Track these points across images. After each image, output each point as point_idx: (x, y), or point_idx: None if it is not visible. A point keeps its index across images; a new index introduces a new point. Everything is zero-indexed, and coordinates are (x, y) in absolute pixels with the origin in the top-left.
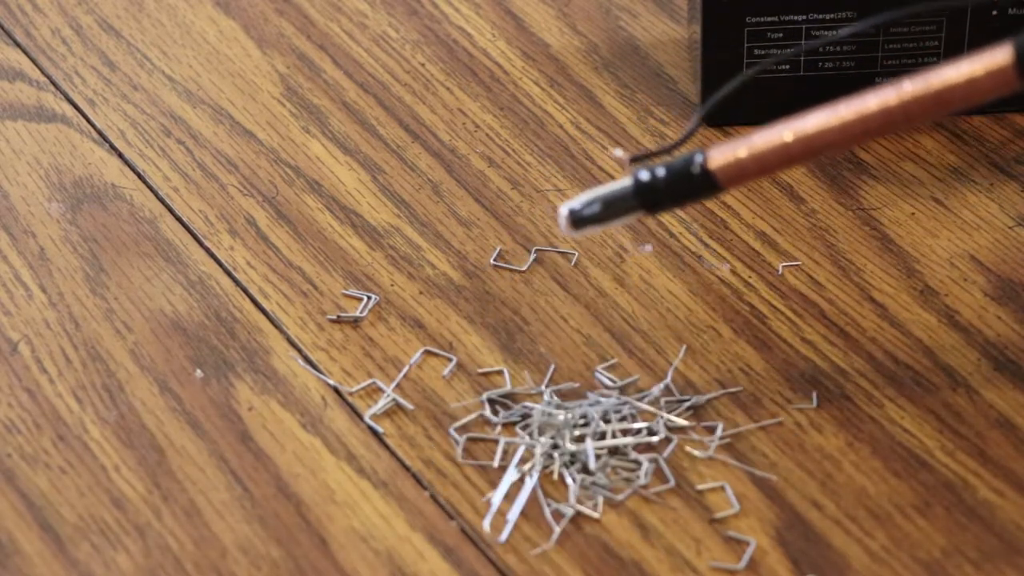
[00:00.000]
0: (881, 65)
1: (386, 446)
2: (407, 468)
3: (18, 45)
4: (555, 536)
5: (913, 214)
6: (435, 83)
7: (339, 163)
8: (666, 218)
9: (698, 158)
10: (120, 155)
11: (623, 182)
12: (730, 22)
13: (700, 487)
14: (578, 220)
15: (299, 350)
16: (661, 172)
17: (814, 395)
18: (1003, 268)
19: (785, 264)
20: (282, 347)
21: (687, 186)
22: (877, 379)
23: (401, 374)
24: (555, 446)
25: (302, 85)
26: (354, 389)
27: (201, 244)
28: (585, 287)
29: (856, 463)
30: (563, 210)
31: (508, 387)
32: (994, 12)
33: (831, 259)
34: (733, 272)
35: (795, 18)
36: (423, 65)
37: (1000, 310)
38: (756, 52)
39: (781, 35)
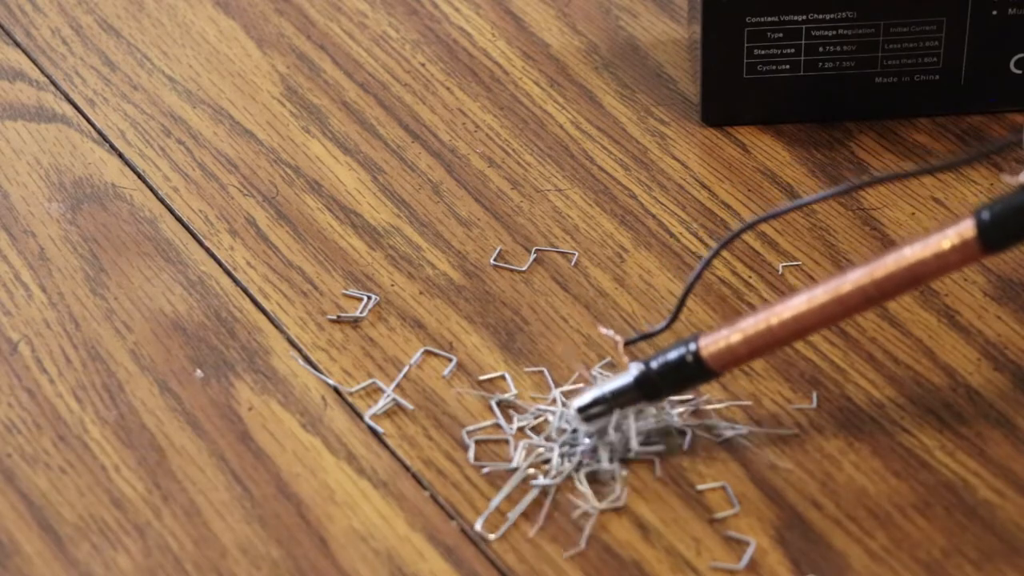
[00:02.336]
0: (881, 65)
1: (386, 446)
2: (407, 468)
3: (18, 45)
4: (584, 539)
5: (913, 214)
6: (435, 83)
7: (339, 163)
8: (666, 218)
9: (691, 347)
10: (120, 155)
11: (624, 379)
12: (730, 22)
13: (700, 487)
14: (587, 415)
15: (299, 350)
16: (656, 365)
17: (814, 395)
18: (1003, 268)
19: (785, 264)
20: (282, 347)
21: (683, 375)
22: (877, 379)
23: (401, 374)
24: (571, 447)
25: (302, 85)
26: (354, 389)
27: (201, 244)
28: (585, 287)
29: (856, 463)
30: (573, 406)
31: (513, 391)
32: (994, 12)
33: (831, 259)
34: (733, 272)
35: (795, 18)
36: (423, 65)
37: (1000, 310)
38: (756, 52)
39: (781, 35)
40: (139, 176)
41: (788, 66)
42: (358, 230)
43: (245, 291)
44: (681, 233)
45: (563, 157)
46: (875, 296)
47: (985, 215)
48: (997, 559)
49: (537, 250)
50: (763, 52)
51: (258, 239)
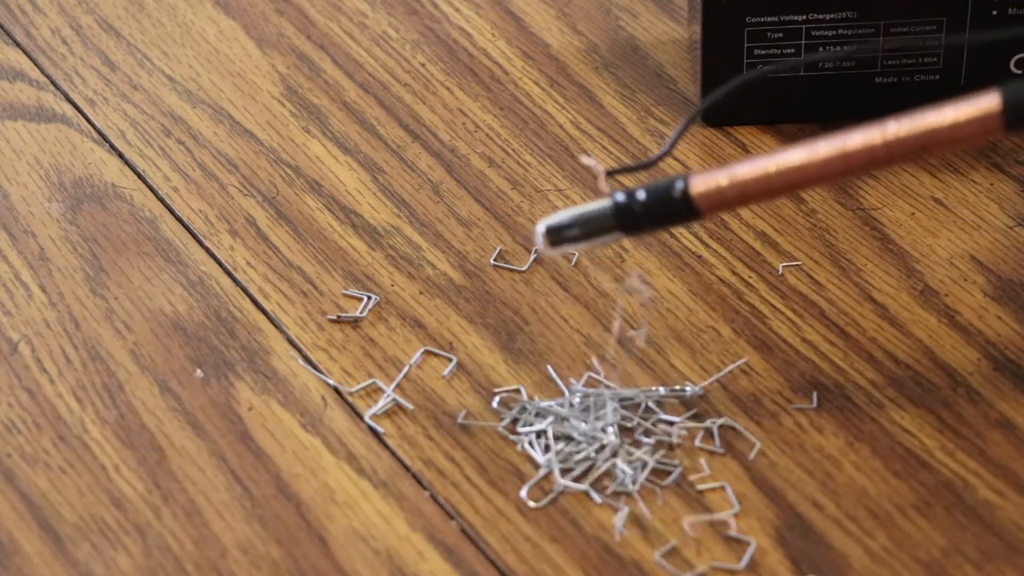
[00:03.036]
0: (881, 65)
1: (386, 446)
2: (407, 468)
3: (18, 45)
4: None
5: (913, 214)
6: (435, 83)
7: (339, 163)
8: None
9: (679, 183)
10: (120, 155)
11: (602, 202)
12: (730, 22)
13: (700, 487)
14: (556, 239)
15: (299, 350)
16: (641, 195)
17: (814, 395)
18: (1003, 268)
19: (785, 264)
20: (282, 347)
21: (666, 210)
22: (877, 379)
23: (401, 374)
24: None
25: (302, 85)
26: (354, 389)
27: (201, 244)
28: (585, 287)
29: (856, 463)
30: (540, 227)
31: (525, 397)
32: (994, 12)
33: (831, 259)
34: (733, 272)
35: (795, 18)
36: (423, 65)
37: (1000, 310)
38: (756, 52)
39: (781, 35)
40: (139, 176)
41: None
42: (358, 230)
43: (245, 291)
44: (681, 233)
45: (563, 157)
46: (881, 158)
47: (1016, 90)
48: (997, 559)
49: (537, 250)
50: (763, 52)
51: (258, 239)
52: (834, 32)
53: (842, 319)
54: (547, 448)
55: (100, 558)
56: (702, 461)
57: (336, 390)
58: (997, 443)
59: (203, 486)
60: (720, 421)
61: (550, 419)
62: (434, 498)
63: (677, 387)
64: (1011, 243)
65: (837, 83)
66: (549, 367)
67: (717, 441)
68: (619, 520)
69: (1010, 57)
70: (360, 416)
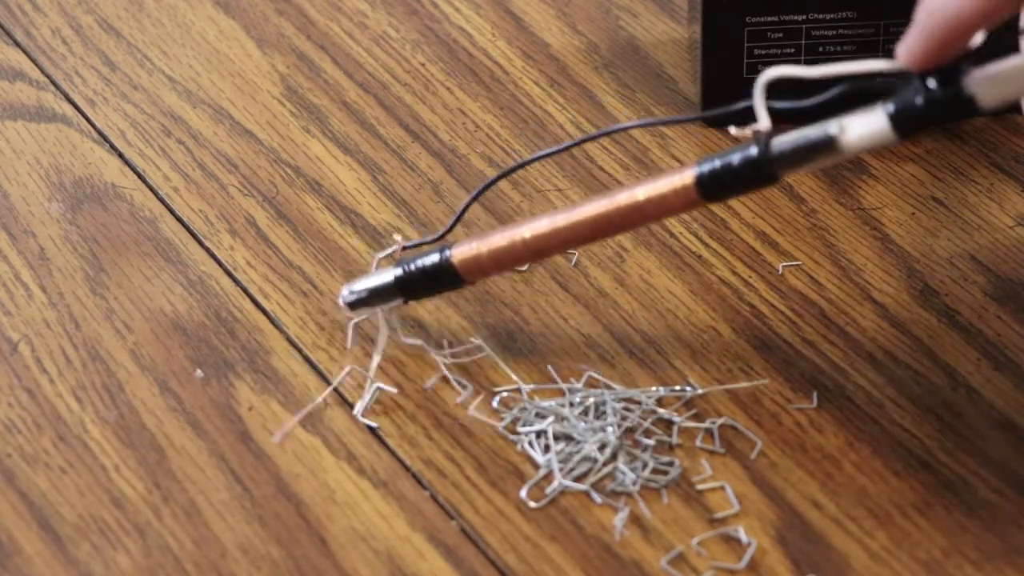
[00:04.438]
0: None
1: (386, 446)
2: (407, 468)
3: (18, 45)
4: (619, 519)
5: (913, 214)
6: (435, 83)
7: (339, 163)
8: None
9: (444, 254)
10: (120, 155)
11: (386, 275)
12: (730, 22)
13: (700, 487)
14: (350, 304)
15: (299, 350)
16: (415, 265)
17: (814, 395)
18: (1003, 268)
19: (785, 264)
20: (282, 347)
21: (438, 279)
22: (877, 379)
23: (373, 362)
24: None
25: (302, 85)
26: (338, 379)
27: (201, 244)
28: (585, 287)
29: (856, 463)
30: (341, 293)
31: (525, 397)
32: None
33: (831, 259)
34: (733, 272)
35: (795, 18)
36: (423, 65)
37: (1000, 310)
38: (756, 52)
39: (781, 35)
40: (139, 176)
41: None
42: (358, 230)
43: (245, 291)
44: (681, 233)
45: (563, 157)
46: (606, 228)
47: (705, 168)
48: (997, 559)
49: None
50: (763, 52)
51: (258, 239)
52: (834, 32)
53: (842, 319)
54: (547, 448)
55: (100, 558)
56: (702, 461)
57: (336, 390)
58: (997, 443)
59: (203, 486)
60: (720, 421)
61: (550, 419)
62: (434, 498)
63: (677, 387)
64: (1011, 243)
65: (837, 83)
66: (550, 367)
67: (717, 441)
68: (619, 521)
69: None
70: (360, 416)
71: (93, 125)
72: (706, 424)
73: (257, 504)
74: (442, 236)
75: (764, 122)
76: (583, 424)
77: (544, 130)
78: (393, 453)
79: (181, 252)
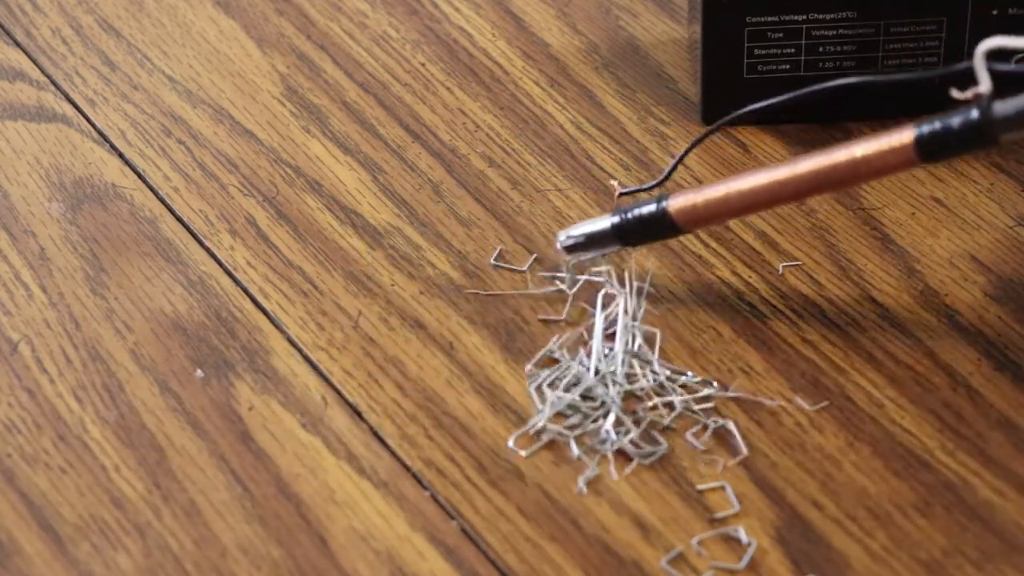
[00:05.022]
0: (881, 65)
1: (386, 446)
2: (407, 468)
3: (18, 45)
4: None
5: (913, 214)
6: (435, 83)
7: (339, 163)
8: None
9: (662, 204)
10: (120, 155)
11: (603, 221)
12: (730, 22)
13: (700, 487)
14: (567, 248)
15: (299, 350)
16: (633, 214)
17: (812, 404)
18: (1003, 268)
19: (785, 264)
20: (282, 347)
21: (654, 227)
22: (877, 379)
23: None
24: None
25: (302, 85)
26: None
27: (201, 244)
28: (585, 287)
29: (856, 463)
30: (559, 237)
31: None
32: (994, 12)
33: (831, 259)
34: (733, 272)
35: (795, 18)
36: (423, 65)
37: (1000, 310)
38: (756, 52)
39: (781, 35)
40: (139, 176)
41: (788, 66)
42: (358, 230)
43: (245, 291)
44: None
45: (563, 157)
46: (826, 181)
47: (924, 129)
48: (997, 559)
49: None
50: (763, 52)
51: (258, 239)
52: (834, 32)
53: (842, 319)
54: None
55: (100, 558)
56: (700, 466)
57: (336, 390)
58: (997, 443)
59: (203, 486)
60: (721, 422)
61: (571, 370)
62: (434, 498)
63: (700, 380)
64: (1011, 243)
65: None
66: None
67: (707, 434)
68: (583, 479)
69: (1010, 58)
70: (360, 416)
71: (93, 125)
72: (707, 421)
73: (257, 504)
74: (660, 183)
75: (985, 85)
76: (591, 376)
77: (544, 130)
78: (393, 453)
79: (181, 252)
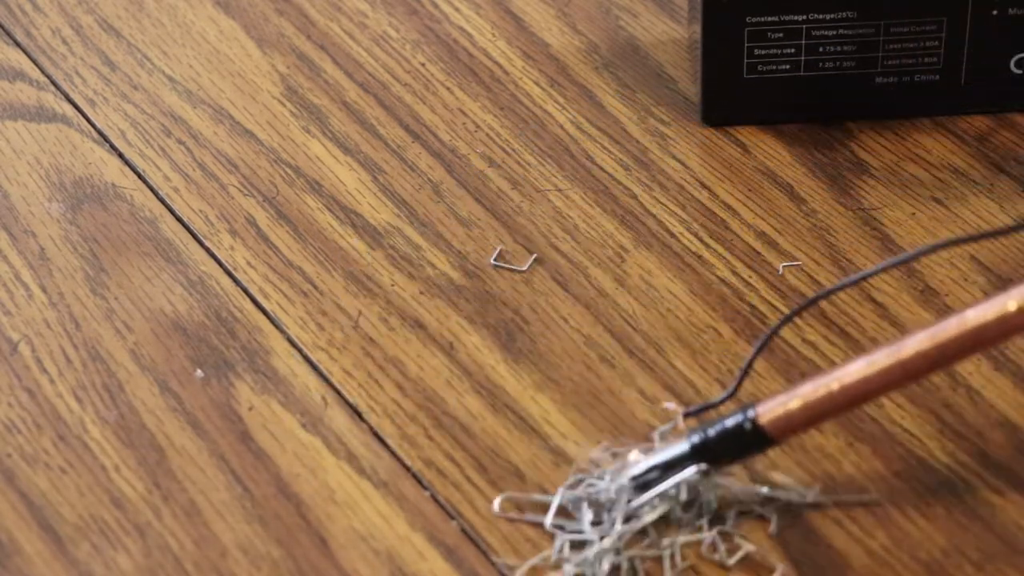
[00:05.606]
0: (881, 65)
1: (386, 446)
2: (407, 468)
3: (18, 45)
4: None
5: (913, 214)
6: (435, 83)
7: (339, 163)
8: (666, 218)
9: (748, 414)
10: (120, 155)
11: (680, 447)
12: (730, 22)
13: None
14: (641, 485)
15: (299, 350)
16: (713, 433)
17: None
18: (1003, 268)
19: (785, 264)
20: (282, 347)
21: (740, 443)
22: None
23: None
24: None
25: (302, 85)
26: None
27: (201, 244)
28: (585, 287)
29: (856, 463)
30: (627, 474)
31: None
32: (994, 12)
33: (831, 259)
34: (733, 272)
35: (795, 18)
36: (423, 65)
37: None
38: (756, 52)
39: (781, 35)
40: (139, 176)
41: (788, 66)
42: (358, 230)
43: (245, 291)
44: (681, 233)
45: (563, 157)
46: (938, 360)
47: None
48: (997, 559)
49: (494, 264)
50: (763, 52)
51: (258, 239)
52: (835, 32)
53: (842, 319)
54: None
55: (100, 558)
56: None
57: (336, 390)
58: (997, 443)
59: (203, 486)
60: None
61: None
62: (434, 498)
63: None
64: (1011, 243)
65: (837, 83)
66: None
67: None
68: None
69: (1010, 57)
70: (360, 416)
71: (93, 125)
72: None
73: (257, 504)
74: (729, 397)
75: None
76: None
77: (544, 130)
78: (393, 453)
79: (181, 252)
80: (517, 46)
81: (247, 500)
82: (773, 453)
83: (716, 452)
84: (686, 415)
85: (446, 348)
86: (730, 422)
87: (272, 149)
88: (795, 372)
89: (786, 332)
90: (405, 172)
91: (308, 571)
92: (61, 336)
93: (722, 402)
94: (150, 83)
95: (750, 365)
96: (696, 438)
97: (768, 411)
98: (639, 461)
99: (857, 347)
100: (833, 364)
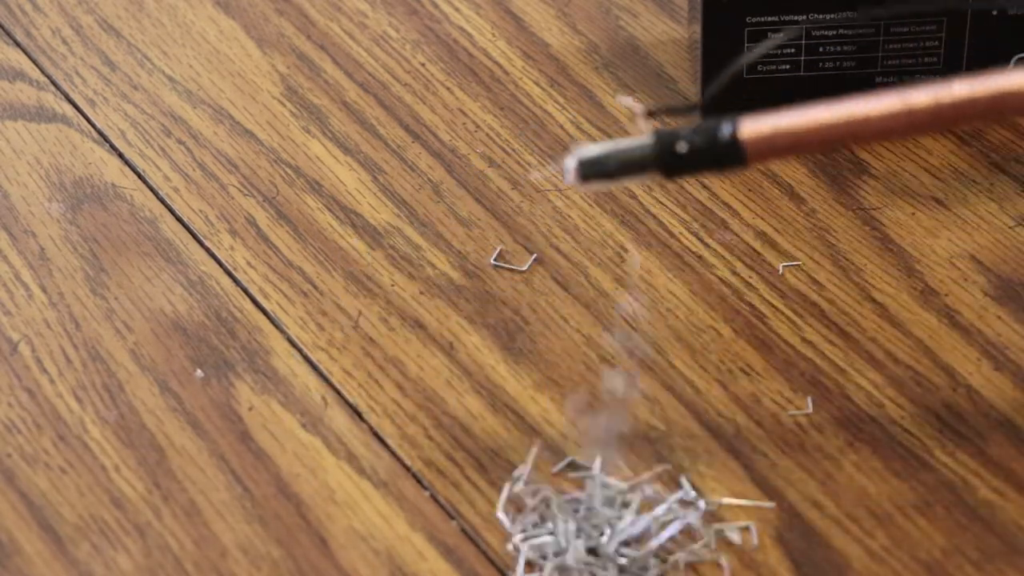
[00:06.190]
0: (881, 65)
1: (386, 446)
2: (407, 468)
3: (18, 45)
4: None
5: (913, 214)
6: (435, 83)
7: (339, 163)
8: (666, 218)
9: (727, 127)
10: (120, 155)
11: (642, 139)
12: (730, 22)
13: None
14: (588, 173)
15: (299, 350)
16: (685, 133)
17: (808, 400)
18: (1003, 268)
19: (785, 264)
20: (282, 347)
21: (711, 154)
22: (877, 379)
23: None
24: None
25: (302, 85)
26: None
27: (201, 244)
28: (585, 287)
29: (856, 463)
30: (571, 160)
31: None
32: (994, 12)
33: (831, 259)
34: (733, 272)
35: (795, 18)
36: (423, 65)
37: (1000, 310)
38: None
39: (781, 35)
40: (139, 176)
41: (788, 66)
42: (358, 230)
43: (245, 291)
44: (681, 233)
45: (563, 157)
46: (947, 116)
47: None
48: (997, 559)
49: (500, 260)
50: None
51: (258, 239)
52: (834, 32)
53: (842, 319)
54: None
55: (100, 558)
56: (701, 464)
57: (336, 390)
58: (997, 443)
59: (203, 486)
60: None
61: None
62: (434, 498)
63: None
64: (1011, 243)
65: (837, 83)
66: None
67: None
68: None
69: (1010, 57)
70: (360, 416)
71: (93, 125)
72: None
73: (257, 504)
74: (701, 106)
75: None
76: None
77: (544, 130)
78: (393, 453)
79: (181, 252)
80: (517, 46)
81: (247, 500)
82: (773, 454)
83: (682, 157)
84: (648, 113)
85: (446, 348)
86: (705, 127)
87: (272, 149)
88: (794, 371)
89: (785, 331)
90: (405, 172)
91: (308, 571)
92: (61, 336)
93: (692, 109)
94: (150, 83)
95: (727, 75)
96: (663, 133)
97: (751, 127)
98: (592, 146)
99: (857, 347)
100: (832, 364)
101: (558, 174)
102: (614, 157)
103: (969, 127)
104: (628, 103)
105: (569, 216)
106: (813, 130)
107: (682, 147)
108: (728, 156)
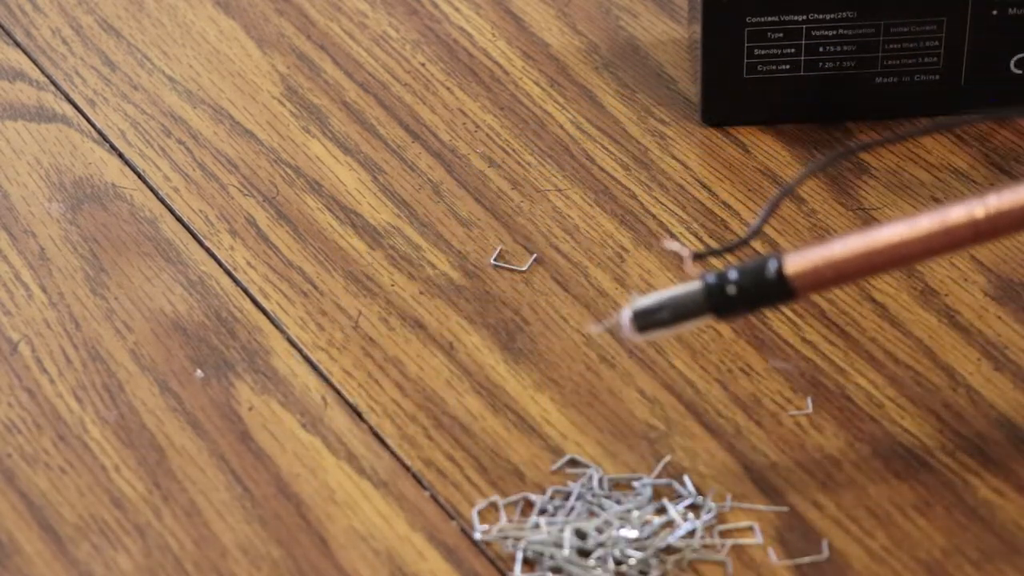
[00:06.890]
0: (881, 65)
1: (386, 446)
2: (407, 468)
3: (18, 45)
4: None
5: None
6: (435, 83)
7: (339, 163)
8: (666, 218)
9: (772, 264)
10: (120, 155)
11: (691, 285)
12: (730, 22)
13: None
14: (644, 324)
15: (299, 350)
16: (733, 275)
17: (808, 400)
18: (1003, 268)
19: None
20: (282, 347)
21: (760, 292)
22: (877, 379)
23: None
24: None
25: (302, 85)
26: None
27: (201, 244)
28: (585, 287)
29: (856, 463)
30: (626, 311)
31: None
32: (994, 12)
33: None
34: None
35: (795, 18)
36: (423, 65)
37: (1000, 310)
38: (756, 52)
39: (781, 35)
40: (139, 176)
41: (788, 66)
42: (358, 230)
43: (245, 291)
44: (681, 233)
45: (563, 157)
46: (985, 231)
47: None
48: (997, 559)
49: (500, 262)
50: (763, 52)
51: (258, 239)
52: (834, 32)
53: (842, 319)
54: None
55: (100, 558)
56: (701, 463)
57: (336, 390)
58: (997, 443)
59: (203, 486)
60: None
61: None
62: (434, 498)
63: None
64: (1011, 243)
65: (837, 83)
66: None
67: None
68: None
69: (1010, 58)
70: (360, 416)
71: (93, 125)
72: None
73: (257, 504)
74: (747, 241)
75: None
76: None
77: (544, 130)
78: (393, 453)
79: (181, 252)
80: (517, 46)
81: (247, 500)
82: (773, 454)
83: (731, 298)
84: (696, 257)
85: (446, 348)
86: (751, 267)
87: (272, 149)
88: (795, 372)
89: (785, 331)
90: (405, 172)
91: (308, 571)
92: (61, 336)
93: (740, 245)
94: (150, 83)
95: (770, 212)
96: (711, 278)
97: (795, 262)
98: (644, 296)
99: (857, 347)
100: (832, 364)
101: (613, 327)
102: (668, 307)
103: (1007, 237)
104: (675, 247)
105: (569, 216)
106: (855, 260)
107: (732, 290)
108: (777, 293)
